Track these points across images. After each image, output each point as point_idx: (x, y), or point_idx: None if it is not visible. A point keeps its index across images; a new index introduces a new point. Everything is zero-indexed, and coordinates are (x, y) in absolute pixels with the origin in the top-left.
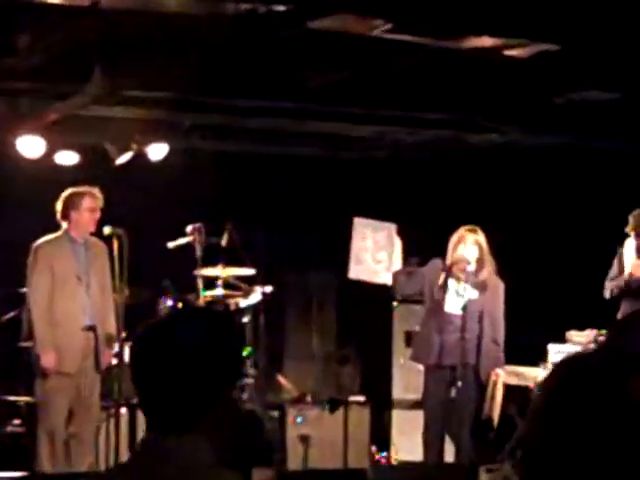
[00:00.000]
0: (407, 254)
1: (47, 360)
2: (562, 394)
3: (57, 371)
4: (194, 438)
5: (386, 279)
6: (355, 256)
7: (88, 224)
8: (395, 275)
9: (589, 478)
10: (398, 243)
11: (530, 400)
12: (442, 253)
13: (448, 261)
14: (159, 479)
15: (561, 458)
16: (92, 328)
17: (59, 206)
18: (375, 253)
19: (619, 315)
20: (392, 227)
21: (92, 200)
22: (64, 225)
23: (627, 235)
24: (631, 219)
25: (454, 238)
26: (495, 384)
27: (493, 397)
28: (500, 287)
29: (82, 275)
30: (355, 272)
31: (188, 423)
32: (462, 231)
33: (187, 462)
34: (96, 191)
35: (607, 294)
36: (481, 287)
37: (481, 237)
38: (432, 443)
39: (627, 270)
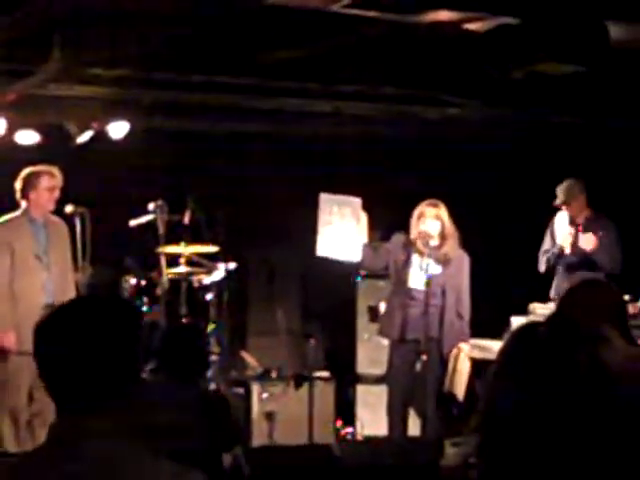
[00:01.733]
0: (371, 229)
1: (7, 340)
2: (512, 362)
3: (17, 350)
4: (100, 421)
5: (353, 255)
6: (322, 232)
7: (47, 203)
8: (362, 250)
9: (537, 444)
10: (364, 218)
11: None
12: (405, 228)
13: (411, 236)
14: (69, 461)
15: (511, 423)
16: (52, 306)
17: (18, 185)
18: (342, 228)
19: (553, 289)
20: (357, 202)
21: (50, 179)
22: (23, 204)
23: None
24: (560, 193)
25: (415, 213)
26: (457, 358)
27: (455, 371)
28: (465, 260)
29: (42, 254)
30: (322, 248)
31: (93, 407)
32: (423, 206)
33: (94, 445)
34: (55, 170)
35: (542, 267)
36: (444, 261)
37: (443, 211)
38: (396, 417)
39: (559, 240)
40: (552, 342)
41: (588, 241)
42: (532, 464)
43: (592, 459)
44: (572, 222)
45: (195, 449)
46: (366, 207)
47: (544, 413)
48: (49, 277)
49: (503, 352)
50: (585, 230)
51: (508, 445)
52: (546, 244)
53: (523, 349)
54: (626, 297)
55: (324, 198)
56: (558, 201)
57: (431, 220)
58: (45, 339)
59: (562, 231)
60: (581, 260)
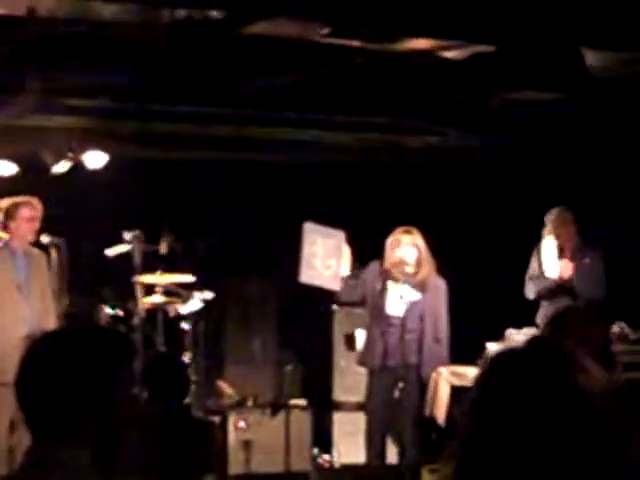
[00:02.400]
0: (352, 258)
1: None
2: (495, 386)
3: None
4: (75, 448)
5: (335, 285)
6: (306, 261)
7: (26, 234)
8: (343, 282)
9: (522, 469)
10: (346, 251)
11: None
12: (380, 256)
13: (386, 264)
14: None
15: (495, 449)
16: (32, 337)
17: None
18: (325, 259)
19: (539, 315)
20: (341, 235)
21: (30, 209)
22: (3, 236)
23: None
24: (548, 222)
25: (390, 240)
26: (437, 383)
27: (435, 396)
28: (441, 286)
29: (22, 285)
30: (306, 276)
31: (68, 434)
32: (398, 233)
33: (69, 471)
34: (34, 201)
35: (531, 295)
36: (420, 288)
37: (418, 238)
38: (374, 445)
39: (548, 270)
40: (531, 370)
41: (566, 269)
42: None
43: None
44: (560, 250)
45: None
46: (346, 234)
47: (519, 443)
48: (30, 308)
49: (480, 380)
50: (573, 259)
51: (483, 474)
52: (532, 270)
53: (500, 377)
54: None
55: (308, 227)
56: (547, 231)
57: (407, 247)
58: (26, 369)
59: (550, 261)
60: (565, 287)
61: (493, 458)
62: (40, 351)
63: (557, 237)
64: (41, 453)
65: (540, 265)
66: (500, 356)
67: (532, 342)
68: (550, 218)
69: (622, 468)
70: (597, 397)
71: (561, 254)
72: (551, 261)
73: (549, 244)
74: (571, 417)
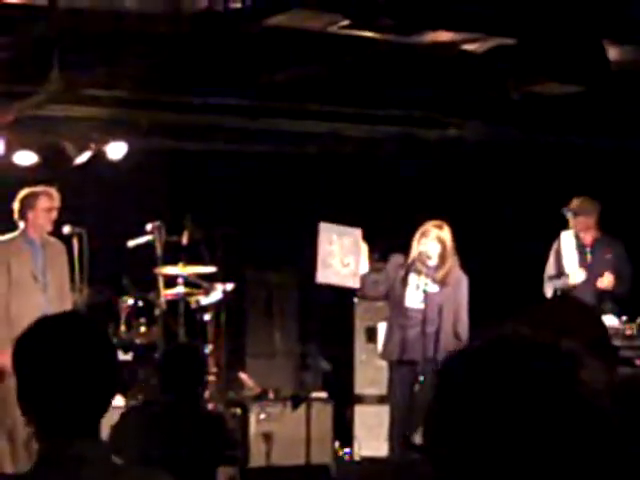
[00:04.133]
0: (370, 251)
1: (4, 360)
2: (452, 387)
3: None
4: (95, 441)
5: (353, 283)
6: (322, 260)
7: (44, 224)
8: (363, 279)
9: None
10: (364, 248)
11: None
12: (400, 249)
13: (411, 255)
14: None
15: (460, 447)
16: None
17: (16, 206)
18: (342, 257)
19: None
20: (357, 232)
21: (48, 200)
22: (21, 225)
23: (563, 227)
24: (576, 202)
25: (418, 233)
26: None
27: None
28: (463, 281)
29: (39, 275)
30: (323, 276)
31: (87, 428)
32: (426, 226)
33: (99, 463)
34: (52, 190)
35: (549, 293)
36: (441, 282)
37: (445, 233)
38: (396, 438)
39: (568, 270)
40: (528, 363)
41: (607, 281)
42: None
43: None
44: (580, 245)
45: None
46: (364, 226)
47: (517, 443)
48: (46, 298)
49: (444, 377)
50: (593, 251)
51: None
52: (551, 268)
53: (490, 369)
54: (623, 318)
55: (324, 227)
56: (570, 209)
57: (432, 241)
58: (26, 360)
59: (571, 258)
60: (589, 284)
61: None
62: (48, 343)
63: (577, 226)
64: (56, 449)
65: (560, 262)
66: (453, 358)
67: (527, 340)
68: (577, 199)
69: (623, 467)
70: (597, 395)
71: (581, 250)
72: (571, 258)
73: (568, 240)
74: (571, 417)
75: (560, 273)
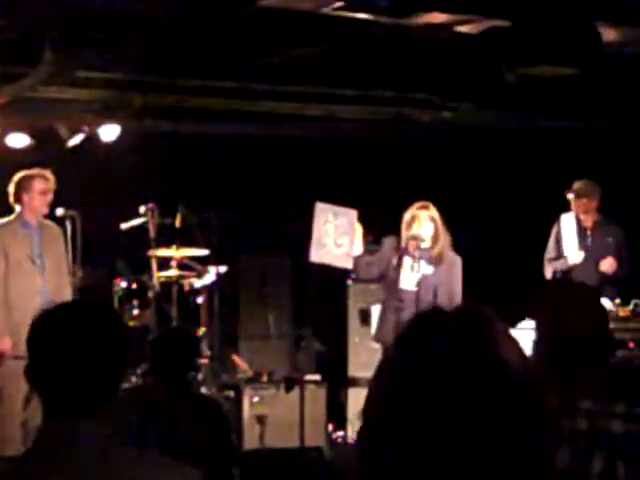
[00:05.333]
0: (365, 235)
1: (3, 344)
2: (414, 349)
3: (13, 355)
4: (91, 424)
5: (346, 263)
6: (317, 240)
7: (40, 206)
8: (356, 261)
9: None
10: (359, 229)
11: None
12: (395, 232)
13: (403, 239)
14: (66, 461)
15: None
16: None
17: (11, 189)
18: (337, 238)
19: None
20: (353, 213)
21: (43, 182)
22: (17, 208)
23: (560, 210)
24: (577, 185)
25: (407, 216)
26: None
27: None
28: (457, 262)
29: (36, 258)
30: (317, 255)
31: (85, 410)
32: (415, 209)
33: (93, 442)
34: (47, 173)
35: (549, 274)
36: (436, 262)
37: (434, 213)
38: None
39: (568, 253)
40: (453, 335)
41: (610, 265)
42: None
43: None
44: (580, 228)
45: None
46: (359, 209)
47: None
48: (44, 281)
49: (400, 341)
50: (593, 234)
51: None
52: (551, 251)
53: (421, 340)
54: (617, 301)
55: (320, 207)
56: (572, 191)
57: (425, 222)
58: (39, 342)
59: (571, 241)
60: (589, 267)
61: (405, 424)
62: (56, 323)
63: (579, 208)
64: (59, 427)
65: (559, 245)
66: (423, 318)
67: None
68: (579, 182)
69: (542, 440)
70: (517, 367)
71: (582, 233)
72: (571, 241)
73: (568, 223)
74: (490, 386)
75: (560, 255)
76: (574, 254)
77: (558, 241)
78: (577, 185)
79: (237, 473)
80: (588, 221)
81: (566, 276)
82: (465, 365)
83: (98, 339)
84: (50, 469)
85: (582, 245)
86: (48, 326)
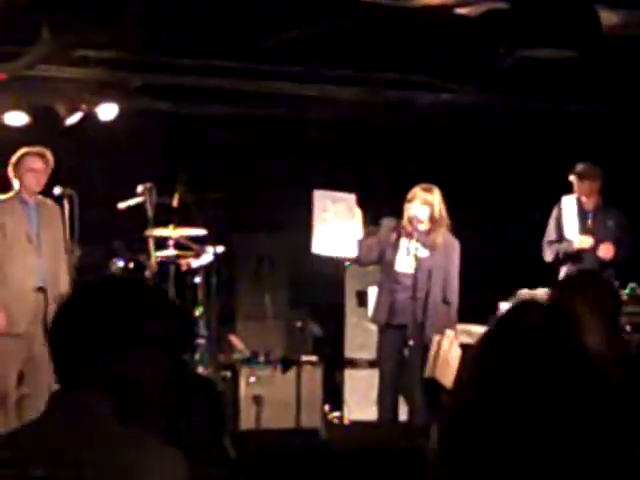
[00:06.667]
0: (364, 217)
1: None
2: (493, 351)
3: (7, 332)
4: (91, 394)
5: (348, 252)
6: (317, 230)
7: (30, 184)
8: (357, 245)
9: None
10: (358, 214)
11: None
12: (394, 214)
13: (402, 220)
14: (64, 429)
15: (503, 415)
16: (42, 289)
17: (10, 166)
18: (337, 224)
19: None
20: (351, 198)
21: (33, 160)
22: (16, 186)
23: (559, 192)
24: (581, 166)
25: (408, 197)
26: (440, 344)
27: (438, 357)
28: (455, 247)
29: (33, 236)
30: (318, 247)
31: (86, 380)
32: (415, 190)
33: (87, 415)
34: (44, 151)
35: (548, 257)
36: (432, 246)
37: (434, 196)
38: (386, 402)
39: (569, 235)
40: (544, 331)
41: (607, 251)
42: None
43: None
44: (581, 211)
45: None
46: (357, 191)
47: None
48: (40, 259)
49: (486, 337)
50: (595, 217)
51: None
52: (552, 234)
53: (509, 337)
54: (615, 283)
55: (318, 194)
56: (575, 172)
57: (421, 205)
58: (60, 315)
59: (572, 223)
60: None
61: (500, 423)
62: (75, 299)
63: (582, 190)
64: (64, 398)
65: (560, 228)
66: (510, 314)
67: (540, 308)
68: (581, 164)
69: (626, 430)
70: (601, 362)
71: (583, 216)
72: (572, 224)
73: (570, 205)
74: (576, 380)
75: (561, 238)
76: (581, 239)
77: (559, 224)
78: (580, 167)
79: (233, 453)
80: (590, 204)
81: (572, 257)
82: (555, 362)
83: (107, 313)
84: (62, 437)
85: (583, 228)
86: (71, 299)
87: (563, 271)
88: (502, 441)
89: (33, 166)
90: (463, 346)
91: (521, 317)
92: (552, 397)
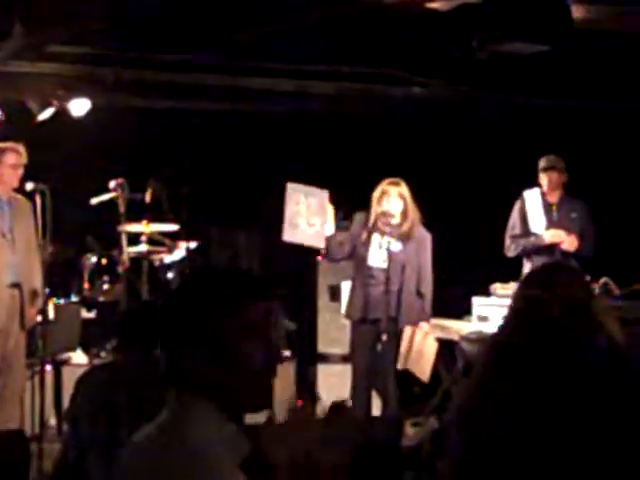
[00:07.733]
0: (335, 211)
1: None
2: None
3: None
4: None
5: (318, 243)
6: (289, 220)
7: (11, 180)
8: (328, 241)
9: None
10: (330, 210)
11: (455, 354)
12: (364, 207)
13: (372, 216)
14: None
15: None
16: (17, 285)
17: None
18: (309, 217)
19: (525, 270)
20: (324, 194)
21: (14, 156)
22: None
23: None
24: (545, 159)
25: (377, 192)
26: (413, 337)
27: (411, 350)
28: (427, 239)
29: (6, 232)
30: (289, 235)
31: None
32: (385, 185)
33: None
34: (19, 147)
35: (512, 252)
36: (405, 239)
37: (404, 189)
38: (359, 397)
39: (534, 226)
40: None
41: (572, 243)
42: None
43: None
44: (546, 204)
45: None
46: (329, 184)
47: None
48: (14, 255)
49: (502, 338)
50: (559, 210)
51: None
52: (516, 228)
53: (534, 332)
54: (587, 277)
55: (291, 187)
56: (543, 164)
57: (394, 199)
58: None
59: (537, 217)
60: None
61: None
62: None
63: (549, 182)
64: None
65: (526, 222)
66: (527, 308)
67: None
68: (546, 157)
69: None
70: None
71: (548, 209)
72: (537, 217)
73: (534, 199)
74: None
75: (527, 232)
76: (554, 233)
77: (524, 218)
78: (548, 159)
79: None
80: (554, 197)
81: (537, 250)
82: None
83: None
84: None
85: (549, 221)
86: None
87: (527, 266)
88: (533, 433)
89: (14, 162)
90: (439, 340)
91: (542, 310)
92: (582, 389)
